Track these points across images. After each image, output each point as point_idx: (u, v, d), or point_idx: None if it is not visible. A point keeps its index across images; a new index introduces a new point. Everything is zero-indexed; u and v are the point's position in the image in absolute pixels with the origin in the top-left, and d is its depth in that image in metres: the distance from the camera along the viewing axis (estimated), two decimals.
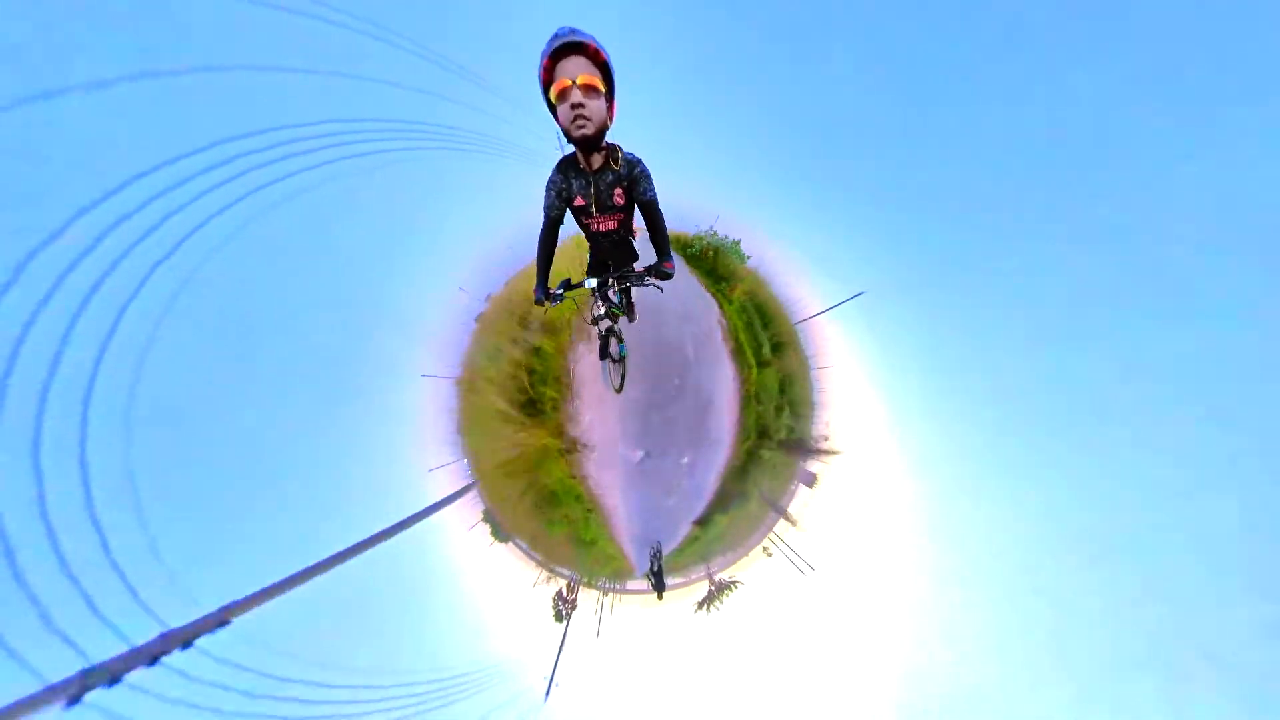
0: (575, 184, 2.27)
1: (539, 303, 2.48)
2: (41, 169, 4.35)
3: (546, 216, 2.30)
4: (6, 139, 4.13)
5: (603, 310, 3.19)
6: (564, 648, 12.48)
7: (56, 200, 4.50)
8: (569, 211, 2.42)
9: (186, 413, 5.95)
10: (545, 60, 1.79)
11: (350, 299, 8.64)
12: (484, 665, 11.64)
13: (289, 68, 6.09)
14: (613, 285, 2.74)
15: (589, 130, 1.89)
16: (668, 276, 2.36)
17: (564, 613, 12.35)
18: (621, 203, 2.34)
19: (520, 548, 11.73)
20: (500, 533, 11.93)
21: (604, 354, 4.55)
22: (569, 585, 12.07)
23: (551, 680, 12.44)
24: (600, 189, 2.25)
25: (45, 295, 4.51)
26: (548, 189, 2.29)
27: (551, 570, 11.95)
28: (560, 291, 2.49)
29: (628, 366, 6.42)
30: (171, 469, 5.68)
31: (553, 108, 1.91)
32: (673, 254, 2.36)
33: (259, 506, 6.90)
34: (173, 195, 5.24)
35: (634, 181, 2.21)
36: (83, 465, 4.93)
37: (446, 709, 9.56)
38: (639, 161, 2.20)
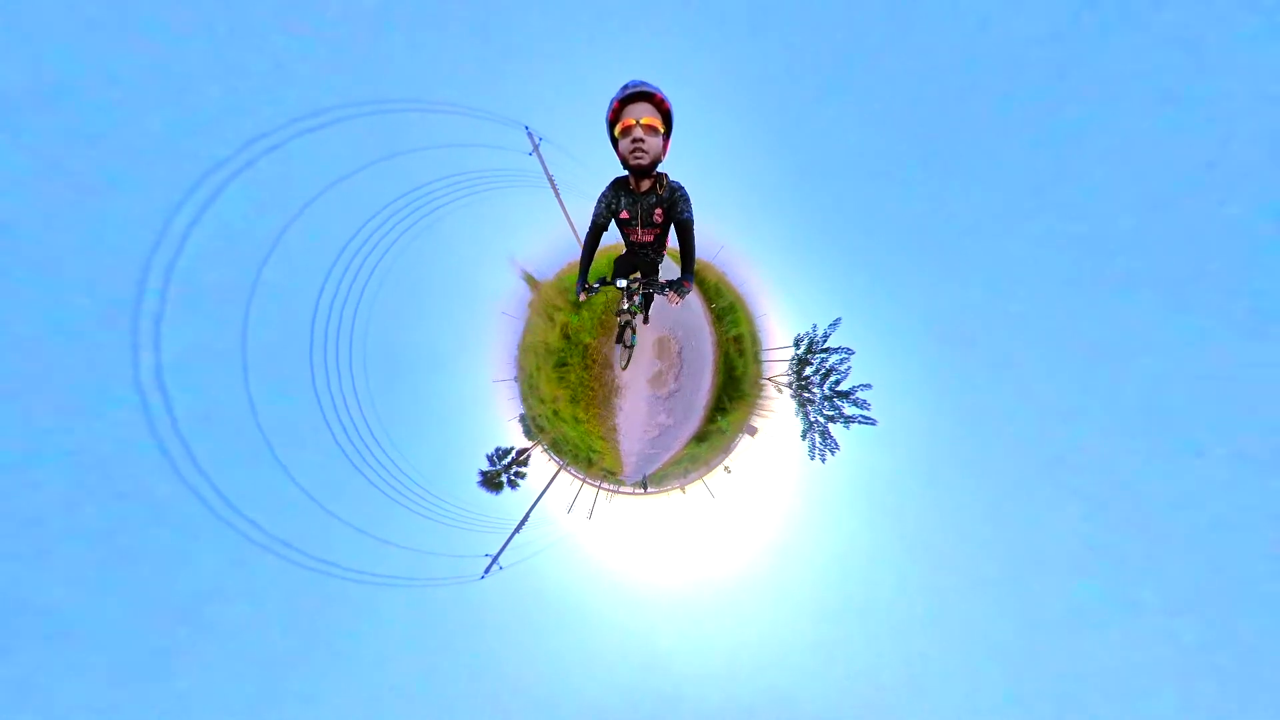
0: (624, 200, 2.63)
1: (579, 293, 2.88)
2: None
3: (594, 223, 2.65)
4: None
5: (625, 306, 4.01)
6: (520, 530, 12.40)
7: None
8: (614, 221, 2.78)
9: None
10: (615, 103, 2.13)
11: (462, 273, 12.50)
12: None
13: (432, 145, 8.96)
14: (637, 289, 3.32)
15: (644, 161, 2.24)
16: (684, 293, 2.66)
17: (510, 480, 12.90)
18: (660, 220, 2.68)
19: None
20: (531, 433, 13.33)
21: (618, 340, 5.26)
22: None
23: (494, 561, 11.89)
24: (644, 207, 2.62)
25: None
26: (599, 201, 2.64)
27: (560, 463, 13.14)
28: (597, 286, 2.98)
29: (634, 354, 7.88)
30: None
31: (614, 140, 2.27)
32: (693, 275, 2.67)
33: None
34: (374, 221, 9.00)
35: (673, 203, 2.55)
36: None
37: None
38: (680, 187, 2.54)
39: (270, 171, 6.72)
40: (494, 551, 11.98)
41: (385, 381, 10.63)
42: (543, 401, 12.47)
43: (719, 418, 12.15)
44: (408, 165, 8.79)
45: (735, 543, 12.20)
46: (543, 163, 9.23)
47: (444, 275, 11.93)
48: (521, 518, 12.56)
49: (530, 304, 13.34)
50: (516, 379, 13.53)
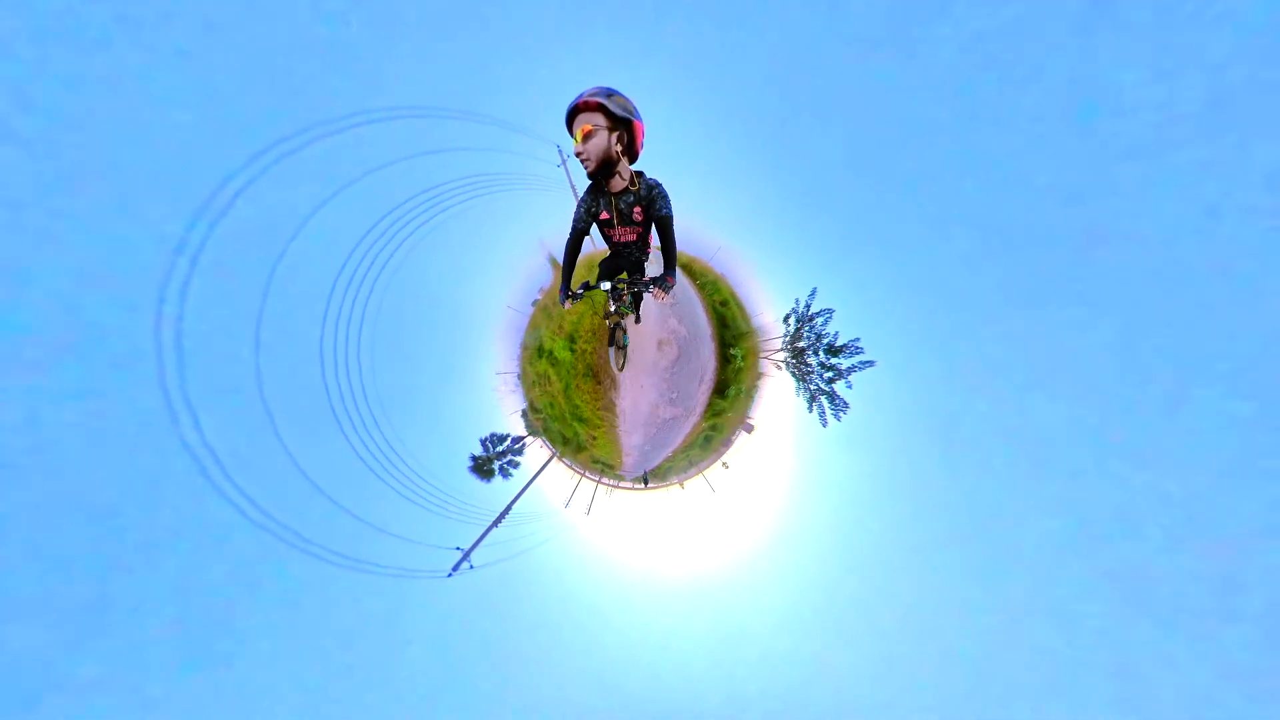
0: (601, 202, 2.66)
1: (562, 300, 2.88)
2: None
3: (574, 228, 2.69)
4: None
5: (614, 308, 4.07)
6: (495, 526, 10.62)
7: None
8: (596, 224, 2.80)
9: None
10: (568, 128, 2.28)
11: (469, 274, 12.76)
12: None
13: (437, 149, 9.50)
14: (623, 290, 3.30)
15: (590, 168, 2.36)
16: (668, 288, 2.71)
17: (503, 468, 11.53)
18: (640, 219, 2.70)
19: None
20: (531, 426, 12.75)
21: (611, 341, 5.37)
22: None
23: (465, 558, 9.99)
24: (621, 207, 2.63)
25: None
26: (578, 205, 2.69)
27: (553, 451, 12.07)
28: (581, 291, 2.94)
29: (628, 354, 7.79)
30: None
31: None
32: (676, 270, 2.74)
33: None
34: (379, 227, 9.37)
35: (651, 200, 2.56)
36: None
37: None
38: (658, 184, 2.57)
39: (327, 155, 7.34)
40: (475, 547, 10.09)
41: (390, 370, 10.27)
42: (543, 357, 11.43)
43: (732, 354, 11.89)
44: (450, 161, 9.81)
45: (734, 536, 10.92)
46: (568, 174, 10.70)
47: (462, 267, 12.17)
48: (500, 512, 10.85)
49: (534, 303, 13.19)
50: (519, 374, 12.69)
